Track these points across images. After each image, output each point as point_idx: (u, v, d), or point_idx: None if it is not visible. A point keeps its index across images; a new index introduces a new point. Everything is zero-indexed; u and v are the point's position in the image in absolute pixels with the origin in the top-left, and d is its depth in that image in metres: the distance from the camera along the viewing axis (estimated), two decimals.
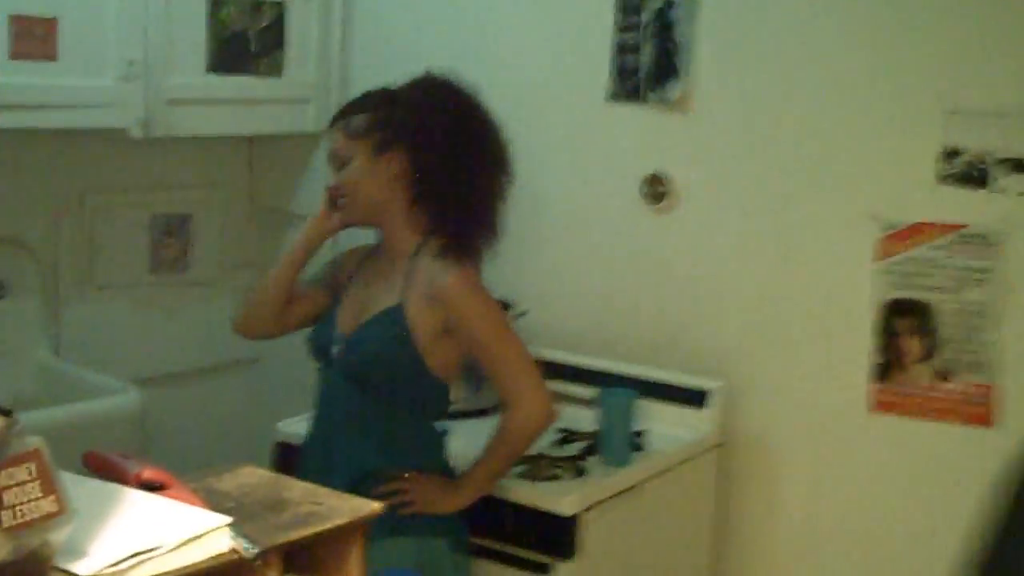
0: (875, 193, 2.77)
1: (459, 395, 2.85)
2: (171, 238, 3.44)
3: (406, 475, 2.37)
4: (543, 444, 2.69)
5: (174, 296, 3.47)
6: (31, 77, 2.80)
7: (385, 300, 2.39)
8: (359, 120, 2.42)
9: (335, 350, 2.42)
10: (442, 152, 2.38)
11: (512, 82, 3.19)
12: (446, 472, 2.46)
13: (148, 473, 1.69)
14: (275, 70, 3.34)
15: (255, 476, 1.82)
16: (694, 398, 2.91)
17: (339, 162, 2.42)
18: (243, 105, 3.32)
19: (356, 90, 3.45)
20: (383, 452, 2.38)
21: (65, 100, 2.89)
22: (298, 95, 3.44)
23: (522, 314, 3.06)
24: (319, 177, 3.51)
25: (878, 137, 2.76)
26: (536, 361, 2.45)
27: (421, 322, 2.35)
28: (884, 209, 2.75)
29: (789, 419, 2.92)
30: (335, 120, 2.46)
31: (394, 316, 2.36)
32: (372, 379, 2.37)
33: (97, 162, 3.25)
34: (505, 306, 3.01)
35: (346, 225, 2.46)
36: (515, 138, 3.13)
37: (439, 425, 2.50)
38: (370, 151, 2.39)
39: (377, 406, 2.39)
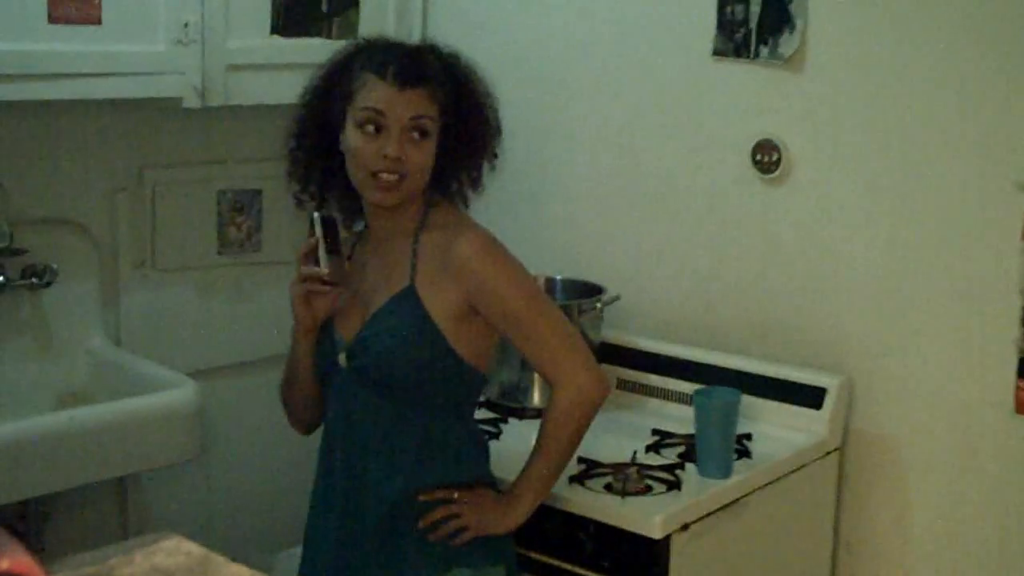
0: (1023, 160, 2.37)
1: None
2: (240, 215, 3.18)
3: (456, 495, 2.08)
4: (634, 449, 2.39)
5: (245, 278, 3.21)
6: (72, 43, 2.58)
7: (391, 287, 2.09)
8: (440, 92, 2.08)
9: (341, 359, 2.11)
10: (477, 126, 2.15)
11: (602, 39, 2.88)
12: (492, 483, 2.17)
13: (6, 564, 1.28)
14: (349, 31, 3.03)
15: (178, 555, 1.41)
16: (809, 396, 2.57)
17: (420, 130, 2.05)
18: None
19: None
20: (421, 469, 2.08)
21: (111, 68, 2.65)
22: None
23: (613, 300, 2.74)
24: None
25: None
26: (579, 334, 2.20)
27: (440, 302, 2.05)
28: None
29: (920, 420, 2.55)
30: (415, 77, 2.05)
31: (407, 300, 2.06)
32: (393, 380, 2.07)
33: (156, 134, 2.99)
34: (594, 290, 2.72)
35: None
36: (605, 101, 2.90)
37: (478, 428, 2.23)
38: (438, 128, 2.08)
39: (405, 413, 2.08)
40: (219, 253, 3.15)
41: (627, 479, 2.29)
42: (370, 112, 2.03)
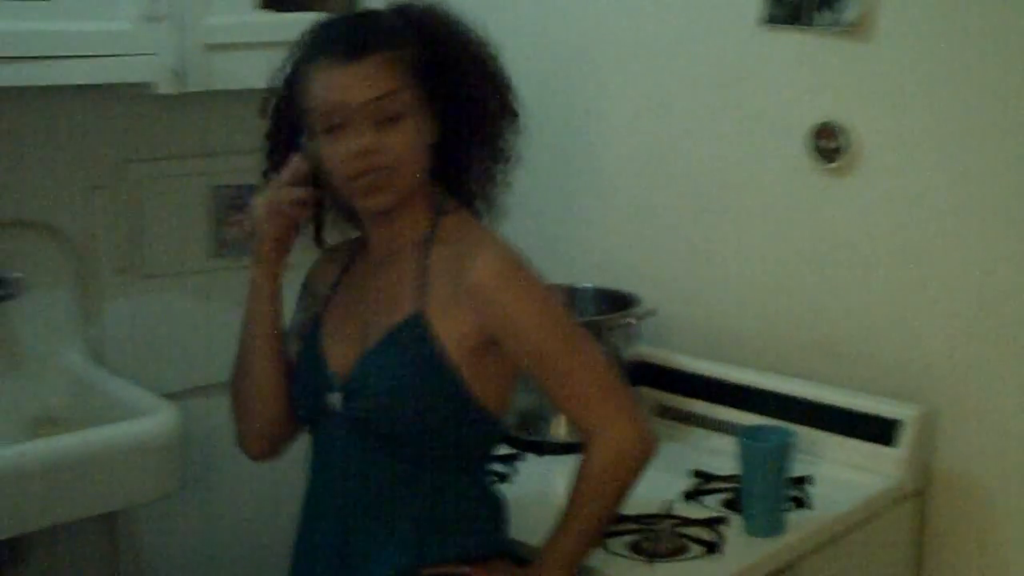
0: None
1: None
2: (237, 214, 2.87)
3: (467, 573, 1.73)
4: (669, 499, 2.03)
5: (242, 284, 2.89)
6: (22, 21, 2.28)
7: (395, 312, 1.73)
8: (408, 55, 1.70)
9: (333, 399, 1.76)
10: (477, 102, 1.77)
11: (635, 9, 2.53)
12: (511, 552, 1.81)
13: None
14: (347, 5, 2.70)
15: None
16: (881, 429, 2.18)
17: (382, 114, 1.67)
18: None
19: None
20: (427, 539, 1.73)
21: (68, 49, 2.34)
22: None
23: (648, 314, 2.37)
24: None
25: None
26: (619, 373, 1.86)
27: (454, 333, 1.69)
28: None
29: (1017, 460, 2.16)
30: (360, 45, 1.67)
31: (413, 330, 1.70)
32: (397, 428, 1.71)
33: (139, 124, 2.68)
34: (627, 301, 2.35)
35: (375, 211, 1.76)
36: (639, 81, 2.54)
37: (494, 486, 1.87)
38: (421, 102, 1.70)
39: (409, 469, 1.73)
40: (215, 256, 2.85)
41: (658, 537, 1.93)
42: (321, 112, 1.68)
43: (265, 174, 1.87)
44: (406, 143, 1.68)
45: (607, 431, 1.71)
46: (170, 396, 2.41)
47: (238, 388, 1.90)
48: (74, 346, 2.65)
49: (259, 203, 1.82)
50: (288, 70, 1.77)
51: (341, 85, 1.65)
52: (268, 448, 1.91)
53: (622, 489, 1.74)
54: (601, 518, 1.75)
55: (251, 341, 1.86)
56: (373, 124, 1.66)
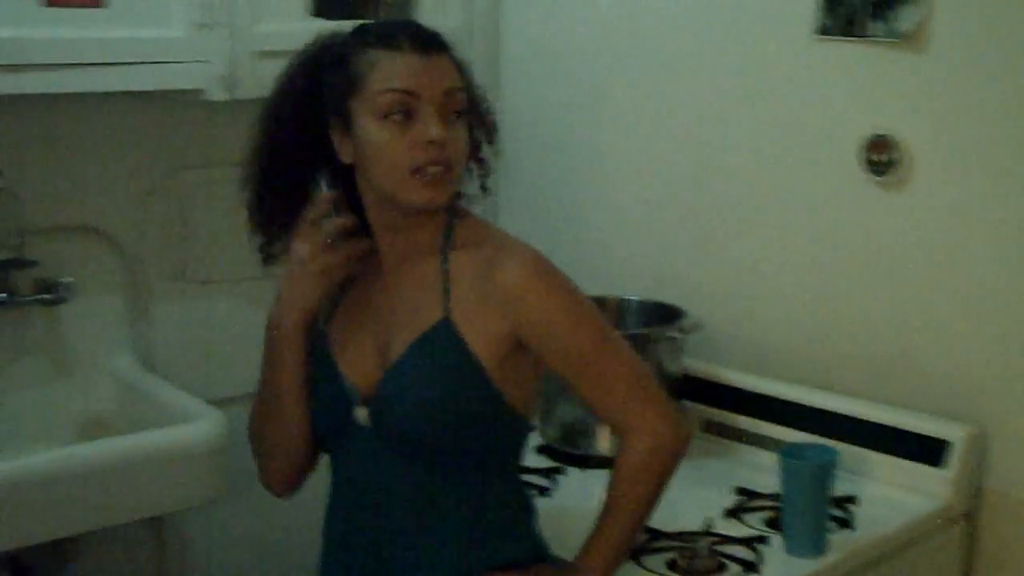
0: None
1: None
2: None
3: None
4: (709, 516, 1.99)
5: None
6: (73, 29, 2.28)
7: (419, 320, 1.69)
8: (462, 62, 1.70)
9: (359, 415, 1.71)
10: (486, 116, 1.77)
11: (685, 16, 2.48)
12: (546, 554, 1.78)
13: None
14: (403, 10, 2.69)
15: None
16: (929, 449, 2.12)
17: (451, 108, 1.65)
18: None
19: (511, 38, 2.83)
20: (472, 548, 1.70)
21: (118, 56, 2.33)
22: None
23: (695, 328, 2.33)
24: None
25: None
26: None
27: (483, 337, 1.66)
28: None
29: None
30: (437, 42, 1.67)
31: (442, 336, 1.66)
32: (432, 438, 1.67)
33: (190, 131, 2.69)
34: (674, 314, 2.30)
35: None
36: (688, 90, 2.50)
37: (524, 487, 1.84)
38: (466, 102, 1.69)
39: (447, 479, 1.69)
40: (264, 263, 2.83)
41: (695, 555, 1.88)
42: (395, 94, 1.62)
43: (260, 226, 1.82)
44: (465, 141, 1.67)
45: (642, 427, 1.68)
46: (218, 402, 2.40)
47: (264, 432, 1.84)
48: (123, 351, 2.65)
49: (304, 253, 1.75)
50: (313, 67, 1.71)
51: (420, 71, 1.62)
52: (295, 483, 1.87)
53: (659, 485, 1.70)
54: (639, 513, 1.71)
55: (278, 387, 1.79)
56: (442, 117, 1.63)
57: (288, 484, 1.87)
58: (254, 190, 1.80)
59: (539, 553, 1.77)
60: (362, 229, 1.76)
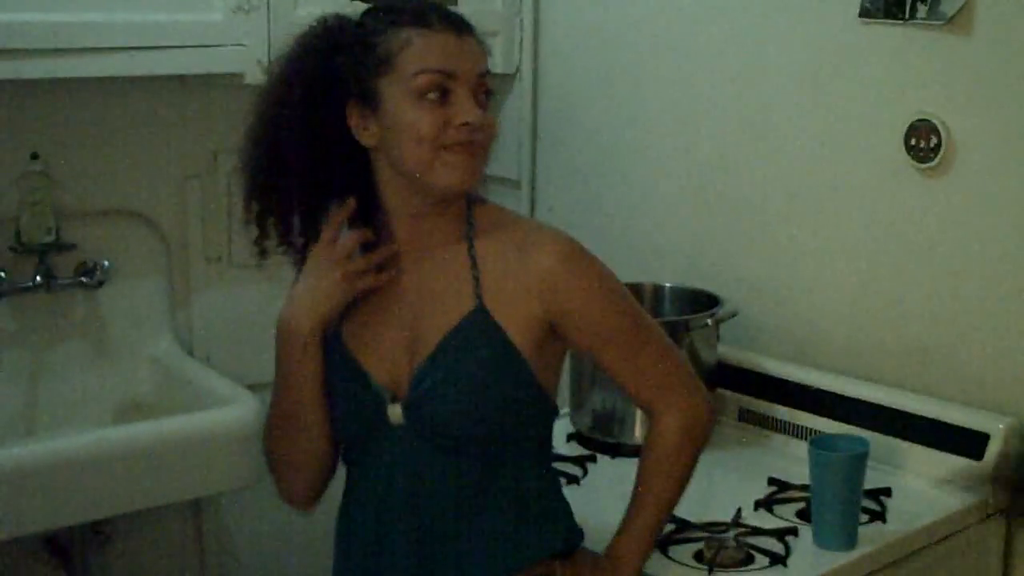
0: None
1: None
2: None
3: (557, 569, 1.68)
4: (738, 506, 1.96)
5: None
6: (112, 14, 2.30)
7: (450, 311, 1.64)
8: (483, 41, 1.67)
9: (392, 414, 1.65)
10: None
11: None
12: (579, 541, 1.75)
13: None
14: None
15: None
16: (968, 441, 2.06)
17: (484, 89, 1.62)
18: None
19: (551, 23, 2.80)
20: (520, 541, 1.66)
21: (157, 40, 2.35)
22: (478, 28, 2.76)
23: (730, 315, 2.29)
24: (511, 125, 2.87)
25: None
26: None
27: (520, 324, 1.62)
28: None
29: None
30: (467, 23, 1.64)
31: (479, 325, 1.62)
32: (475, 428, 1.62)
33: (230, 115, 2.64)
34: (710, 301, 2.28)
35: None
36: (728, 73, 2.45)
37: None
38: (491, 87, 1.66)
39: (487, 468, 1.65)
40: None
41: (722, 546, 1.85)
42: (433, 74, 1.57)
43: (259, 218, 1.73)
44: (494, 126, 1.63)
45: (675, 405, 1.67)
46: (257, 386, 2.38)
47: (283, 446, 1.77)
48: (162, 335, 2.67)
49: (324, 266, 1.69)
50: (365, 36, 1.64)
51: (456, 51, 1.59)
52: (319, 495, 1.80)
53: (691, 464, 1.69)
54: (676, 491, 1.69)
55: (297, 397, 1.71)
56: (476, 98, 1.60)
57: (313, 497, 1.79)
58: (253, 179, 1.70)
59: (575, 540, 1.74)
60: (371, 224, 1.70)
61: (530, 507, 1.68)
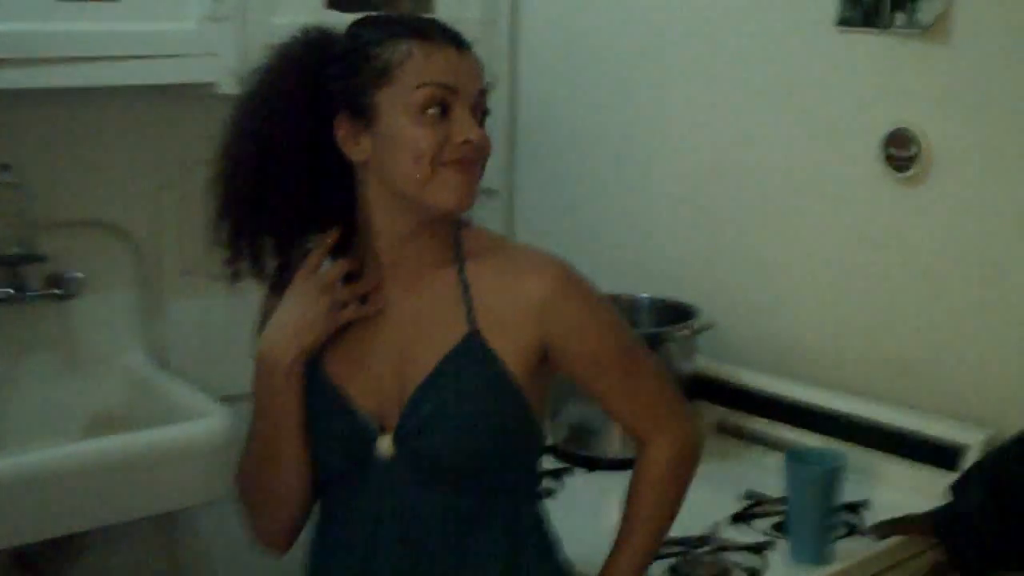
0: None
1: None
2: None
3: None
4: (715, 522, 1.96)
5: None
6: (85, 22, 2.29)
7: (440, 337, 1.57)
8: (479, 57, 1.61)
9: (381, 446, 1.58)
10: None
11: (701, 7, 2.45)
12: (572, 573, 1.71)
13: None
14: (423, 4, 2.67)
15: None
16: (945, 454, 2.06)
17: (482, 108, 1.58)
18: None
19: (530, 32, 2.79)
20: (509, 572, 1.61)
21: (131, 50, 2.33)
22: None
23: (707, 327, 2.28)
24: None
25: None
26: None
27: (510, 349, 1.55)
28: None
29: None
30: (463, 39, 1.57)
31: (472, 352, 1.55)
32: (469, 459, 1.56)
33: (203, 125, 2.59)
34: (686, 313, 2.26)
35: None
36: (703, 83, 2.46)
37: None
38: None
39: (480, 501, 1.59)
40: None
41: (697, 562, 1.83)
42: (436, 88, 1.51)
43: (235, 241, 1.66)
44: (490, 145, 1.58)
45: (665, 433, 1.63)
46: (231, 399, 2.33)
47: (259, 485, 1.69)
48: (134, 347, 2.64)
49: (309, 295, 1.61)
50: (360, 48, 1.57)
51: (460, 68, 1.53)
52: (295, 536, 1.73)
53: (683, 491, 1.66)
54: (668, 519, 1.66)
55: (276, 433, 1.64)
56: (474, 116, 1.55)
57: (289, 538, 1.72)
58: (226, 198, 1.64)
59: (569, 571, 1.71)
60: (352, 247, 1.64)
61: (524, 541, 1.63)
